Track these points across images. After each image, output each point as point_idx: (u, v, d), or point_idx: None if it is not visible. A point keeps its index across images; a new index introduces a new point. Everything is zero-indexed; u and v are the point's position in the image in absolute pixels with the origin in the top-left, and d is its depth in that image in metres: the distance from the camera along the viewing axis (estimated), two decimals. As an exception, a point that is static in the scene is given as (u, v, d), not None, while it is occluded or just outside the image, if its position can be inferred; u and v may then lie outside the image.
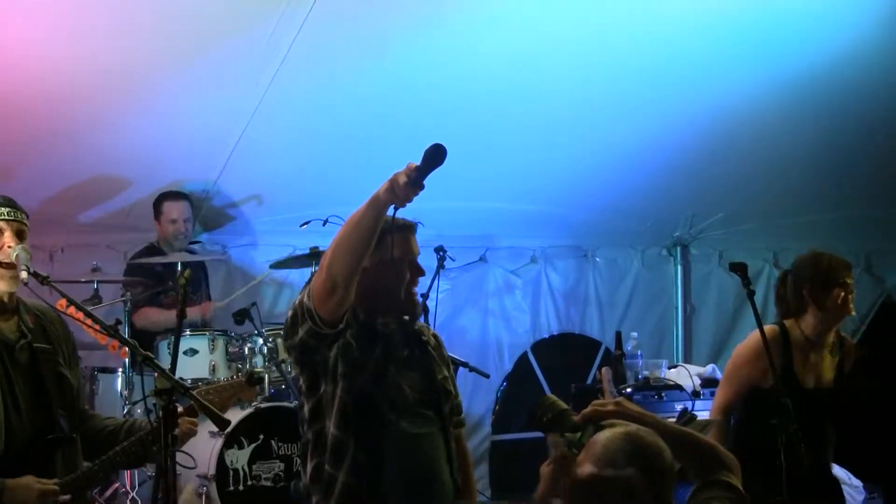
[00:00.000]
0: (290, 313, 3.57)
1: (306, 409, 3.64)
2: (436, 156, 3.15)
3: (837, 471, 6.98)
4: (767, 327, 4.51)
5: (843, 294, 4.61)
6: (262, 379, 5.31)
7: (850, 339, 4.92)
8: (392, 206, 3.31)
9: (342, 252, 3.37)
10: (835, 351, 4.77)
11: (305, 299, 3.48)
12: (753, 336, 4.59)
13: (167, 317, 6.47)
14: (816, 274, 4.66)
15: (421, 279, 3.86)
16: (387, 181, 3.25)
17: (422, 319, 6.31)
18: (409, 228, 3.77)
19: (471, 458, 4.12)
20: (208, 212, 7.10)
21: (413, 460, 3.61)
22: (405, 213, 3.42)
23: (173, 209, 6.70)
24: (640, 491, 2.53)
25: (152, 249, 6.73)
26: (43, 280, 3.48)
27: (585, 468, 2.62)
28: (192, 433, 3.69)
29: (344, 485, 3.52)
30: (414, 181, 3.20)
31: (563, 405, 2.85)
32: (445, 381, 3.81)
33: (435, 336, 3.95)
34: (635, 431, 2.67)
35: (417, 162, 3.16)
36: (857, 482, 7.01)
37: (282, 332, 4.02)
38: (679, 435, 2.81)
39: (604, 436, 2.66)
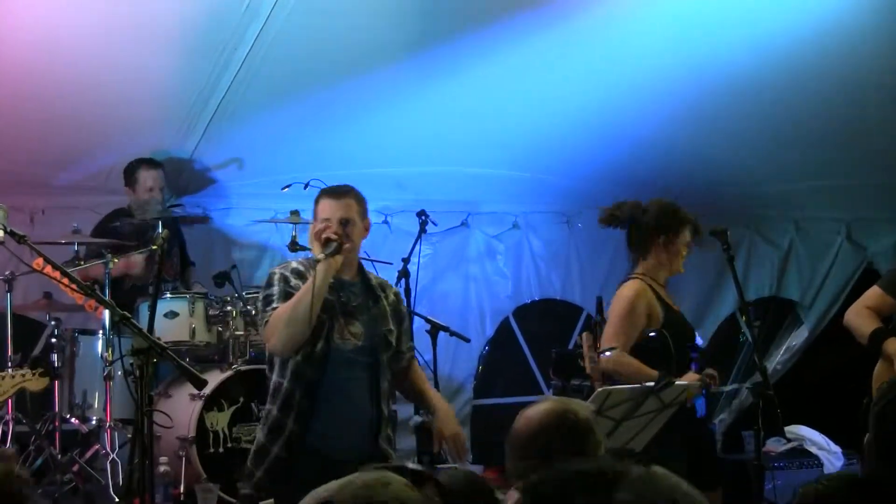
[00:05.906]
0: (261, 297, 4.24)
1: (270, 357, 4.30)
2: None
3: (816, 437, 7.06)
4: (635, 283, 4.87)
5: (685, 245, 4.94)
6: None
7: None
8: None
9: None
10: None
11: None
12: (627, 290, 4.87)
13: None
14: (672, 223, 4.91)
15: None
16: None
17: (403, 283, 6.45)
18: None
19: (424, 376, 4.66)
20: (189, 175, 7.06)
21: (341, 403, 4.19)
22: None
23: (149, 177, 6.63)
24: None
25: (123, 213, 6.69)
26: (20, 239, 3.46)
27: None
28: None
29: (291, 431, 4.15)
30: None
31: None
32: (389, 334, 4.34)
33: (396, 294, 4.52)
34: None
35: None
36: (836, 448, 7.07)
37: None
38: None
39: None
